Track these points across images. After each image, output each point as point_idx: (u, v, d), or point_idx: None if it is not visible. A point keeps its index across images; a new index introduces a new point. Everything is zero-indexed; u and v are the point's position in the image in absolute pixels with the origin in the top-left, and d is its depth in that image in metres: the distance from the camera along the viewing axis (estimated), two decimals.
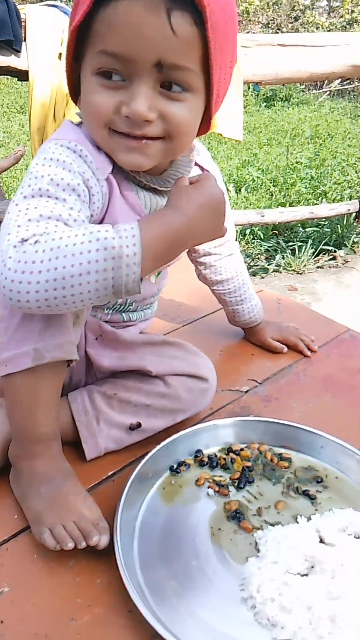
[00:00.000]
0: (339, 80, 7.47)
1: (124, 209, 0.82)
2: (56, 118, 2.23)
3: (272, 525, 0.83)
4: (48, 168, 0.71)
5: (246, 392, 1.16)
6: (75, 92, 0.78)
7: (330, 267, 3.41)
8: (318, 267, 3.38)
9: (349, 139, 5.74)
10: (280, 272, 3.32)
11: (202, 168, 0.95)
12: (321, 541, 0.79)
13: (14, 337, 0.74)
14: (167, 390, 0.98)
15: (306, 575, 0.75)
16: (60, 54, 2.21)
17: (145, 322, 1.07)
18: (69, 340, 0.77)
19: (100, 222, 0.80)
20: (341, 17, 8.05)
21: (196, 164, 0.93)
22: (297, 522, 0.82)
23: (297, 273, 3.32)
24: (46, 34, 2.24)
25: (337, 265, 3.42)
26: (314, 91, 7.73)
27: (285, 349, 1.29)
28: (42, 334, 0.74)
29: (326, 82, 7.55)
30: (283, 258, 3.38)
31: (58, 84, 2.23)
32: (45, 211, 0.67)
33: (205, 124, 0.80)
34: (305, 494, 0.89)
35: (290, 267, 3.33)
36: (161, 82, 0.70)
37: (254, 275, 3.21)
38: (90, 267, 0.62)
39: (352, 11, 7.89)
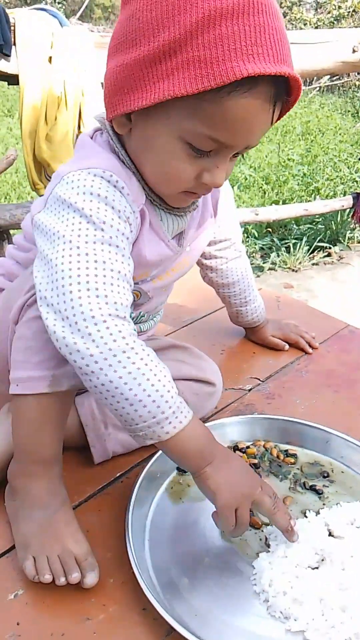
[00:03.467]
0: (328, 76, 7.49)
1: (150, 236, 0.81)
2: (48, 122, 2.23)
3: None
4: (93, 204, 0.68)
5: (250, 390, 1.17)
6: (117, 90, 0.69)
7: (325, 264, 3.43)
8: (313, 264, 3.40)
9: (340, 134, 5.77)
10: (276, 270, 3.34)
11: None
12: (330, 534, 0.80)
13: (31, 359, 0.74)
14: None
15: (317, 568, 0.76)
16: (50, 58, 2.22)
17: (153, 329, 1.07)
18: None
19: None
20: (328, 13, 8.09)
21: None
22: (306, 517, 0.83)
23: (293, 270, 3.34)
24: (36, 37, 2.24)
25: (333, 261, 3.45)
26: (304, 87, 7.76)
27: (287, 347, 1.30)
28: (63, 361, 0.72)
29: (315, 78, 7.58)
30: (278, 256, 3.40)
31: (49, 87, 2.24)
32: (116, 266, 0.67)
33: None
34: (313, 488, 0.90)
35: (286, 264, 3.35)
36: None
37: None
38: (136, 406, 0.64)
39: (339, 7, 7.92)
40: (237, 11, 0.59)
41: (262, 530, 0.83)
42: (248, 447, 0.98)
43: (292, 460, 0.95)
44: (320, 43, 2.84)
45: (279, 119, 0.70)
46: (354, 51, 2.82)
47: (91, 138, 0.78)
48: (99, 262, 0.65)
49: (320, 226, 3.66)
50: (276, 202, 3.93)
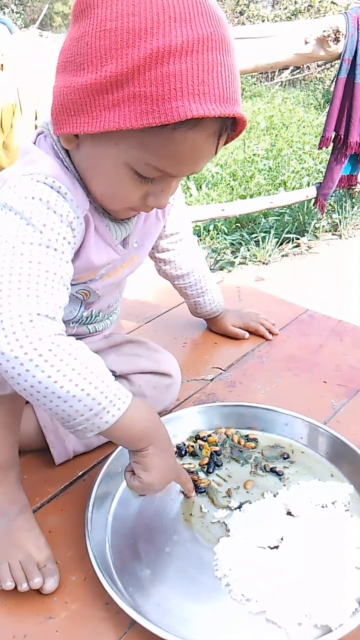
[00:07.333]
0: (290, 70, 7.56)
1: (97, 241, 0.81)
2: (4, 129, 2.22)
3: (242, 503, 0.84)
4: (34, 207, 0.67)
5: (211, 380, 1.17)
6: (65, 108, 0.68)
7: (295, 255, 3.46)
8: (283, 255, 3.42)
9: (303, 127, 5.83)
10: (247, 264, 3.35)
11: None
12: (289, 514, 0.81)
13: None
14: (131, 388, 0.98)
15: (277, 547, 0.76)
16: (1, 66, 2.21)
17: (110, 328, 1.07)
18: None
19: (75, 254, 0.78)
20: (285, 8, 8.17)
21: None
22: (264, 498, 0.83)
23: (263, 263, 3.35)
24: None
25: (302, 252, 3.47)
26: (266, 83, 7.82)
27: (247, 335, 1.31)
28: None
29: (277, 72, 7.64)
30: (248, 250, 3.41)
31: (2, 95, 2.22)
32: (52, 268, 0.65)
33: None
34: (273, 471, 0.91)
35: (256, 258, 3.37)
36: None
37: (221, 270, 3.24)
38: (71, 402, 0.62)
39: (296, 2, 7.99)
40: (187, 49, 0.58)
41: (224, 518, 0.83)
42: (209, 435, 0.98)
43: (253, 444, 0.96)
44: (275, 36, 2.87)
45: (225, 144, 0.71)
46: (306, 42, 2.85)
47: (34, 143, 0.77)
48: (33, 262, 0.64)
49: (287, 218, 3.69)
50: (243, 197, 3.94)
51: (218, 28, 0.61)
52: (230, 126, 0.67)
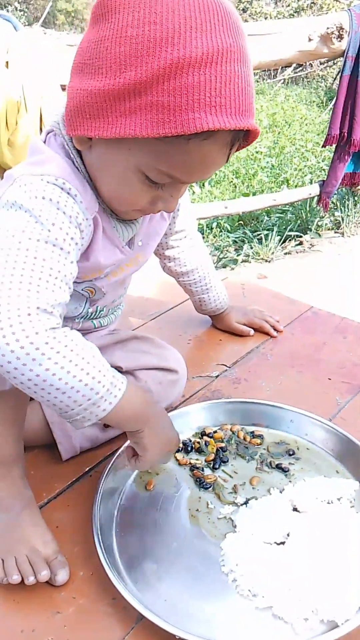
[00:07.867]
0: (292, 67, 7.54)
1: (104, 242, 0.81)
2: (9, 127, 2.22)
3: (248, 499, 0.84)
4: (44, 207, 0.67)
5: (216, 376, 1.18)
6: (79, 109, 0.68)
7: (297, 252, 3.45)
8: (286, 253, 3.42)
9: (306, 124, 5.81)
10: (250, 262, 3.35)
11: None
12: (295, 510, 0.81)
13: None
14: (137, 384, 0.99)
15: (283, 543, 0.77)
16: (7, 63, 2.21)
17: (114, 323, 1.08)
18: None
19: (83, 255, 0.79)
20: (288, 5, 8.15)
21: None
22: (270, 494, 0.84)
23: (266, 261, 3.35)
24: None
25: (304, 249, 3.47)
26: (268, 80, 7.80)
27: (252, 332, 1.31)
28: None
29: (280, 70, 7.62)
30: (251, 247, 3.41)
31: (7, 92, 2.22)
32: (57, 266, 0.65)
33: None
34: (279, 467, 0.91)
35: (259, 255, 3.37)
36: None
37: (224, 267, 3.24)
38: (70, 393, 0.63)
39: None
40: (206, 61, 0.59)
41: (230, 514, 0.83)
42: (215, 431, 0.98)
43: (259, 441, 0.96)
44: (277, 34, 2.86)
45: (235, 151, 0.71)
46: (309, 40, 2.84)
47: (44, 142, 0.77)
48: (38, 259, 0.64)
49: (290, 216, 3.68)
50: (246, 195, 3.94)
51: (237, 39, 0.61)
52: (243, 136, 0.68)
